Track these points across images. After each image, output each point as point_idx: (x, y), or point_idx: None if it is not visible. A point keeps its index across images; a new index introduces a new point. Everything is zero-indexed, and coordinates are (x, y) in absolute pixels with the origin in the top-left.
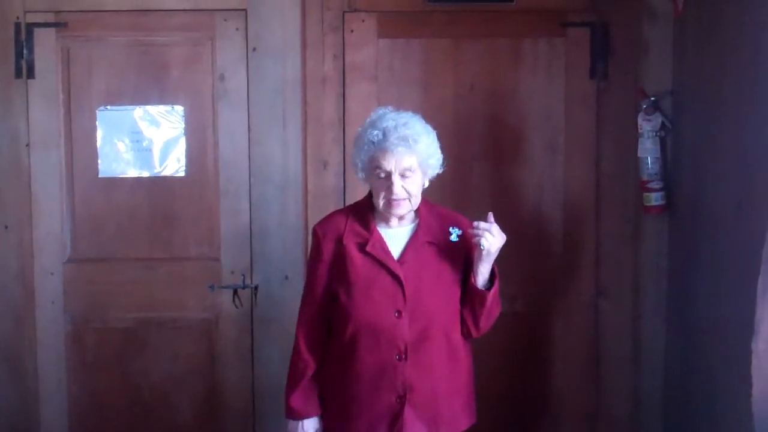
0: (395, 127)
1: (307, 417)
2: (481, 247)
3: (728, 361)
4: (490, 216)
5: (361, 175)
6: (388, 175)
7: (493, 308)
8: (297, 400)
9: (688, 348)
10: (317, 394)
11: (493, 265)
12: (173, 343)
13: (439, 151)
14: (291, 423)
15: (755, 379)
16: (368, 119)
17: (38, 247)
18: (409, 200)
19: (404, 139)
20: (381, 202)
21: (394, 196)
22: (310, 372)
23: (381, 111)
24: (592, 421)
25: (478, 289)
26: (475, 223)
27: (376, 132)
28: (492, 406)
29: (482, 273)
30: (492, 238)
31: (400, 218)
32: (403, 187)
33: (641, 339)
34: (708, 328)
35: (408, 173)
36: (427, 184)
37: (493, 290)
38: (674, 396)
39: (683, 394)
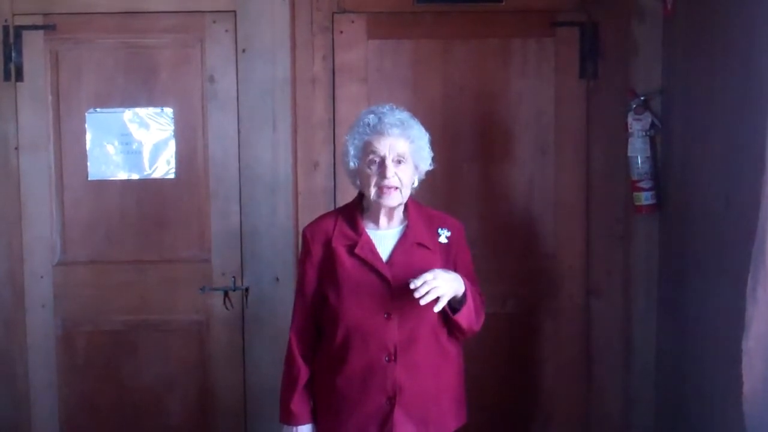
0: (391, 112)
1: (304, 423)
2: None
3: (719, 360)
4: (419, 279)
5: (353, 164)
6: (382, 160)
7: (472, 325)
8: (297, 405)
9: (679, 347)
10: (311, 401)
11: (465, 286)
12: (164, 346)
13: (429, 149)
14: (286, 428)
15: (746, 378)
16: (365, 110)
17: (28, 250)
18: (400, 191)
19: (399, 122)
20: (372, 191)
21: (386, 182)
22: (304, 377)
23: (378, 105)
24: (584, 421)
25: (453, 318)
26: (413, 287)
27: (371, 116)
28: (483, 407)
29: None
30: (440, 290)
31: (390, 219)
32: (396, 174)
33: (632, 338)
34: (699, 327)
35: (401, 159)
36: (416, 183)
37: (464, 317)
38: (665, 395)
39: (674, 393)
